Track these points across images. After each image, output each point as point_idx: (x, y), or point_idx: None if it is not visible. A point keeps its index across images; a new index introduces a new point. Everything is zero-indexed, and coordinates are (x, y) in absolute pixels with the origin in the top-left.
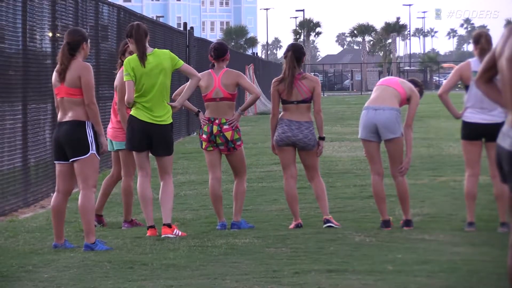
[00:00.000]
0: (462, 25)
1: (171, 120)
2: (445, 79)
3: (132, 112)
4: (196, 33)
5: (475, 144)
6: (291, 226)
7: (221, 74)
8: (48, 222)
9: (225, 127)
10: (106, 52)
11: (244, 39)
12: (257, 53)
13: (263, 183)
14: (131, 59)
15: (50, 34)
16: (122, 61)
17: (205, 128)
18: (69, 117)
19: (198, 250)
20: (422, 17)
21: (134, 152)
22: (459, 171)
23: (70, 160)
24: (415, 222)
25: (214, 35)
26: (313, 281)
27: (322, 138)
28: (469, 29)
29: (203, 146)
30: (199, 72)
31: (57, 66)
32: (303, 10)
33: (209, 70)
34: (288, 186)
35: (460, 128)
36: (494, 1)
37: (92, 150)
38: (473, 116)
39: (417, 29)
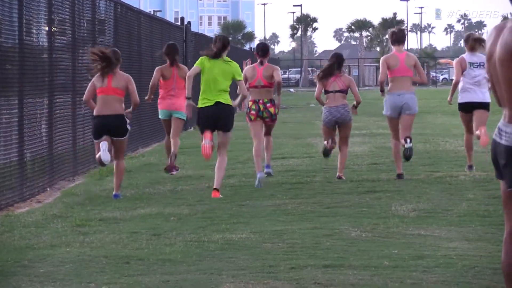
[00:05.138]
0: (459, 21)
1: (231, 103)
2: (442, 74)
3: (199, 105)
4: (194, 28)
5: (468, 115)
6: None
7: (263, 68)
8: (44, 217)
9: (268, 105)
10: (103, 46)
11: (241, 34)
12: (254, 48)
13: None
14: (204, 59)
15: (47, 28)
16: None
17: (253, 106)
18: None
19: (195, 245)
20: (419, 13)
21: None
22: (456, 167)
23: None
24: (411, 217)
25: (211, 30)
26: (309, 276)
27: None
28: (466, 24)
29: (252, 119)
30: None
31: None
32: (300, 5)
33: (254, 64)
34: (328, 144)
35: (456, 125)
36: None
37: None
38: (466, 96)
39: (414, 25)
